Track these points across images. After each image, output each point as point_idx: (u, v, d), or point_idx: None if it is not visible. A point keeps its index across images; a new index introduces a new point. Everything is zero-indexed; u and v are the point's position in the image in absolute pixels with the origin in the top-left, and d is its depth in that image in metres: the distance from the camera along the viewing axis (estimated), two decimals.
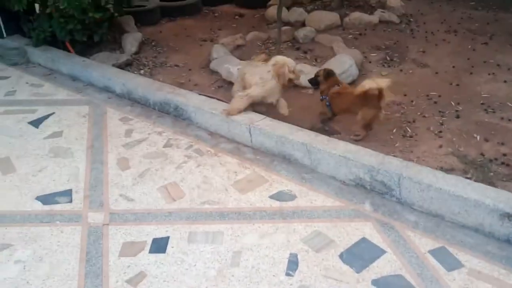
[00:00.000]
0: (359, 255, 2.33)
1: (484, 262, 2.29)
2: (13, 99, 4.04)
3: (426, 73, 4.22)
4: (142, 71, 4.47)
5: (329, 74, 3.35)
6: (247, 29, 5.33)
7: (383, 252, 2.35)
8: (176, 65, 4.62)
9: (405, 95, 3.79)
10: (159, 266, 2.26)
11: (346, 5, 5.74)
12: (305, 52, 4.64)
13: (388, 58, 4.54)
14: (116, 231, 2.49)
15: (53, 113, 3.78)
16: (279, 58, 3.34)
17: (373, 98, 3.02)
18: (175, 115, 3.73)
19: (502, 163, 2.91)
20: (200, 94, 3.80)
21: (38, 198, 2.75)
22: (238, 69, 3.87)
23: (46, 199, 2.74)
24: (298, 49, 4.73)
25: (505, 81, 3.97)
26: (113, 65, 4.45)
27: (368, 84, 2.99)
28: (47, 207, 2.67)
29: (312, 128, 3.28)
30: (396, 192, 2.70)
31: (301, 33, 4.90)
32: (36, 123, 3.63)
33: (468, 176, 2.78)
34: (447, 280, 2.18)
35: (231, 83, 4.00)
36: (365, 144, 3.06)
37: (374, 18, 5.33)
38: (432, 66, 4.35)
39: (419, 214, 2.61)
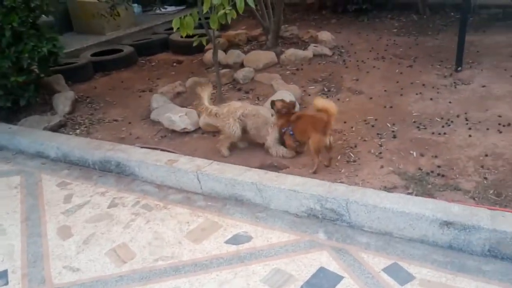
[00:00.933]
0: (319, 285, 2.39)
1: (432, 271, 2.42)
2: None
3: (362, 100, 4.49)
4: (78, 131, 4.37)
5: (289, 108, 3.51)
6: (186, 76, 5.40)
7: (340, 278, 2.43)
8: (115, 120, 4.57)
9: (345, 122, 4.01)
10: None
11: (281, 42, 6.03)
12: (247, 92, 4.81)
13: (325, 89, 4.80)
14: None
15: None
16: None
17: (320, 123, 3.16)
18: (117, 173, 3.66)
19: (438, 174, 3.14)
20: (142, 147, 3.76)
21: None
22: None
23: None
24: (239, 90, 4.89)
25: (431, 99, 4.32)
26: (45, 129, 4.30)
27: (320, 102, 3.15)
28: None
29: (261, 166, 3.39)
30: (346, 217, 2.82)
31: (240, 74, 5.06)
32: None
33: (410, 191, 2.97)
34: None
35: (174, 132, 4.01)
36: (312, 174, 3.20)
37: (309, 53, 5.64)
38: (366, 92, 4.64)
39: (370, 235, 2.73)
